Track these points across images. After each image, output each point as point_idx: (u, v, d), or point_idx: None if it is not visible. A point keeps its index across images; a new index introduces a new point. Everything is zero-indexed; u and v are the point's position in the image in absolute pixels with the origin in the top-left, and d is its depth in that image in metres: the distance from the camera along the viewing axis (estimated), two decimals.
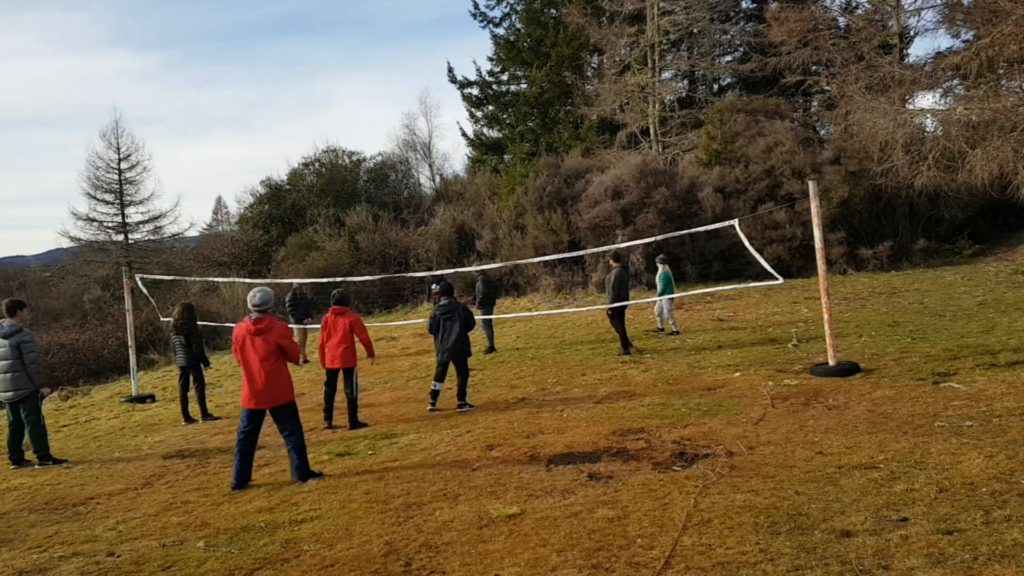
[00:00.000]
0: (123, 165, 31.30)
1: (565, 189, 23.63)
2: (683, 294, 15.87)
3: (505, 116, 32.70)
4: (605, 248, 15.38)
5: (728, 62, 29.04)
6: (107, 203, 31.45)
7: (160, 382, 15.25)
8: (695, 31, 27.88)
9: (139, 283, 14.45)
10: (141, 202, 31.97)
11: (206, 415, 10.38)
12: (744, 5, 29.10)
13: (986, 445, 5.68)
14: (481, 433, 7.73)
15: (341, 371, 9.07)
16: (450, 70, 33.19)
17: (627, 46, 27.80)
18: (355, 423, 8.84)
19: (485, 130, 33.80)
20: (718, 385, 8.99)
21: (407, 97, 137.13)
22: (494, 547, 4.64)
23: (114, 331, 20.19)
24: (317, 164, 33.04)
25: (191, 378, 10.47)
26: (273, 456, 7.70)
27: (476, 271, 14.23)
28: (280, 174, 34.44)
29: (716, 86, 30.02)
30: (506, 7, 32.62)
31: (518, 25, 32.28)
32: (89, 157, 32.63)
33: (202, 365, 10.51)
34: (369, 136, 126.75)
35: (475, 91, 33.17)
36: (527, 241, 22.90)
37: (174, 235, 33.04)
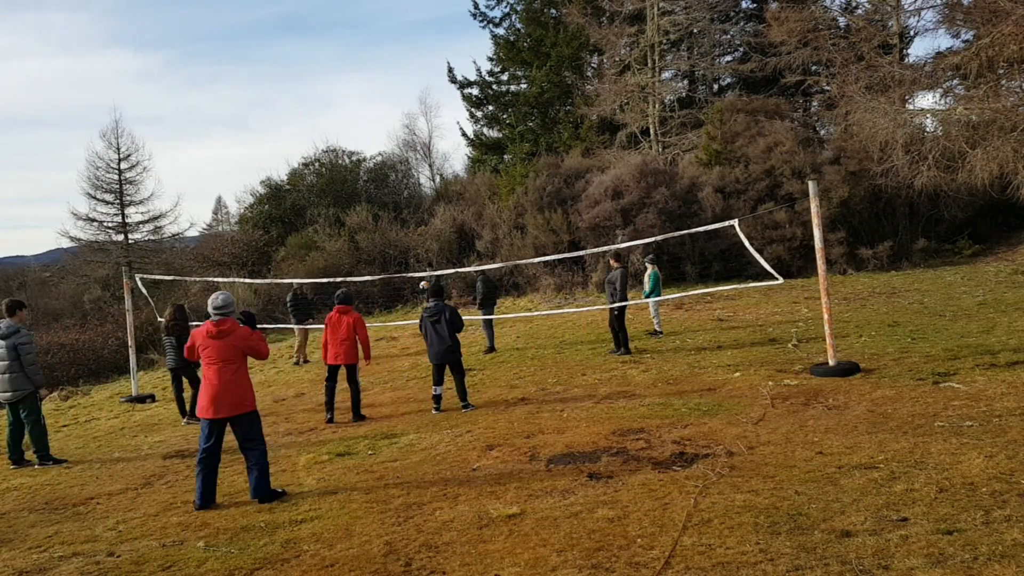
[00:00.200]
0: (123, 165, 31.31)
1: (565, 189, 23.63)
2: (683, 294, 15.87)
3: (505, 116, 32.70)
4: (605, 248, 15.39)
5: (728, 62, 29.04)
6: (107, 203, 31.46)
7: (160, 382, 15.25)
8: (695, 31, 27.88)
9: (139, 283, 14.44)
10: (141, 202, 31.99)
11: (192, 416, 10.17)
12: (744, 5, 29.12)
13: (986, 445, 5.68)
14: (481, 433, 7.73)
15: (343, 368, 9.32)
16: (450, 70, 33.22)
17: (627, 46, 27.80)
18: (358, 415, 9.18)
19: (485, 130, 33.80)
20: (718, 385, 8.99)
21: (407, 97, 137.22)
22: (494, 547, 4.64)
23: (114, 331, 20.19)
24: (317, 164, 33.05)
25: (183, 380, 10.39)
26: (273, 456, 7.68)
27: (475, 271, 14.23)
28: (280, 174, 34.47)
29: (716, 86, 30.02)
30: (506, 7, 32.63)
31: (518, 25, 32.29)
32: (89, 157, 32.67)
33: (193, 366, 10.31)
34: (369, 136, 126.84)
35: (475, 91, 33.18)
36: (527, 241, 22.90)
37: (174, 235, 33.05)
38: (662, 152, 26.22)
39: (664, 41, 26.77)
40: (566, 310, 17.89)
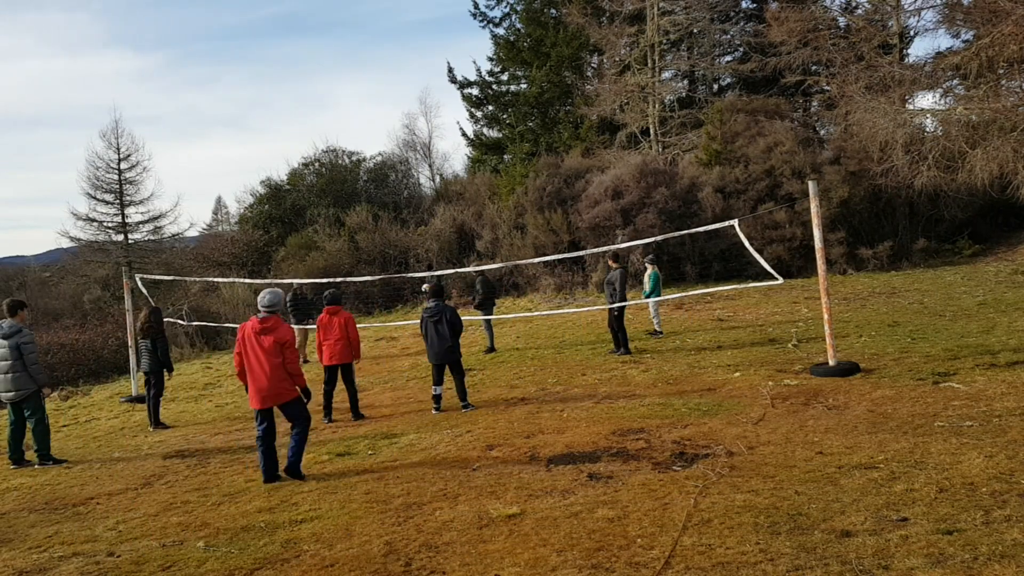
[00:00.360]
0: (123, 165, 31.27)
1: (565, 189, 23.63)
2: (683, 294, 15.87)
3: (505, 116, 32.70)
4: (605, 248, 15.39)
5: (728, 62, 29.04)
6: (107, 203, 31.42)
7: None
8: (695, 31, 27.87)
9: (139, 283, 14.44)
10: (141, 202, 31.94)
11: (157, 423, 10.07)
12: (744, 5, 29.12)
13: (986, 445, 5.68)
14: (481, 433, 7.73)
15: (340, 368, 9.38)
16: (450, 70, 33.21)
17: (627, 46, 27.80)
18: (357, 414, 9.24)
19: (485, 130, 33.79)
20: (718, 385, 8.99)
21: (407, 97, 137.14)
22: (494, 547, 4.64)
23: (114, 331, 20.18)
24: (317, 164, 33.04)
25: (151, 383, 10.18)
26: None
27: (475, 271, 14.23)
28: (280, 174, 34.45)
29: (716, 86, 30.02)
30: (506, 7, 32.62)
31: (518, 25, 32.28)
32: (89, 157, 32.63)
33: (165, 371, 10.21)
34: (369, 136, 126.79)
35: (475, 91, 33.17)
36: (527, 241, 22.90)
37: (174, 235, 32.99)
38: (662, 152, 26.22)
39: (664, 41, 26.77)
40: (566, 310, 17.89)
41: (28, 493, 7.18)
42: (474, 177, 31.07)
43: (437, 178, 36.95)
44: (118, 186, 31.28)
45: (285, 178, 33.08)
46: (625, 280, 12.10)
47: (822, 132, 26.88)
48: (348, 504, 5.79)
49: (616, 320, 11.99)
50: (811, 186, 9.22)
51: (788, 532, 4.40)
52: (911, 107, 21.00)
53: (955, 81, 20.82)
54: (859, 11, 24.95)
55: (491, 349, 13.68)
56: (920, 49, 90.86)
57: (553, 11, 31.09)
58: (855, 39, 22.75)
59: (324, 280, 18.64)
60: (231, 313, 22.24)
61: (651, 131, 27.00)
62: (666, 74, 28.10)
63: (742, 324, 13.90)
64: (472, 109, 33.61)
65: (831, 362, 8.99)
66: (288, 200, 31.81)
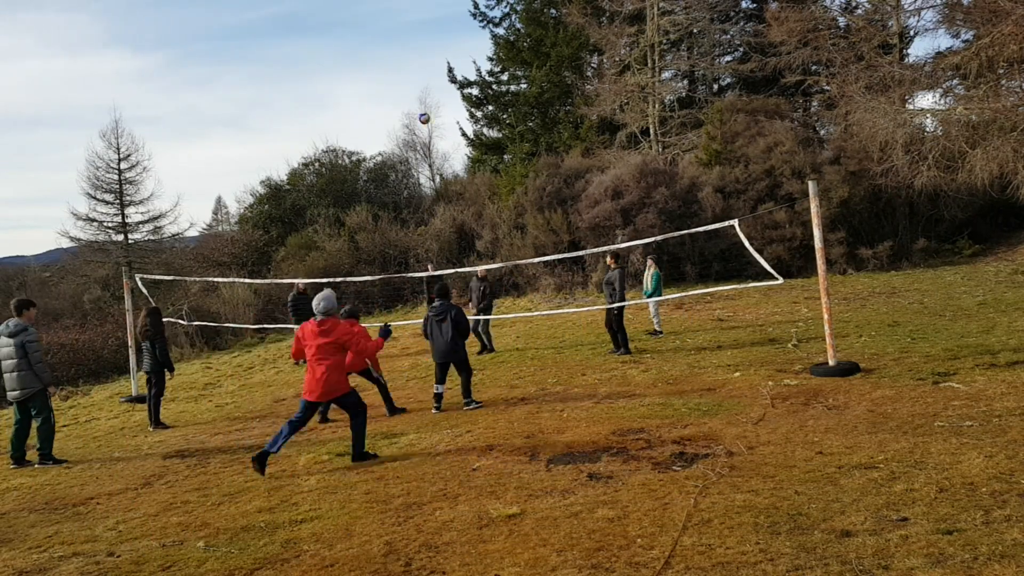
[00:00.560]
0: (123, 165, 31.27)
1: (565, 189, 23.63)
2: (683, 294, 15.87)
3: (505, 116, 32.70)
4: (605, 248, 15.38)
5: (728, 62, 29.04)
6: (107, 203, 31.41)
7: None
8: (695, 31, 27.88)
9: (139, 283, 14.44)
10: (141, 202, 31.94)
11: (157, 423, 10.06)
12: (744, 5, 29.12)
13: (986, 445, 5.68)
14: (481, 433, 7.74)
15: (358, 374, 9.36)
16: (450, 70, 33.21)
17: (627, 46, 27.80)
18: (393, 409, 9.30)
19: (485, 130, 33.79)
20: (718, 385, 8.99)
21: (407, 97, 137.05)
22: (494, 547, 4.64)
23: (114, 331, 20.19)
24: (317, 164, 33.04)
25: (152, 383, 10.17)
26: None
27: (478, 276, 14.21)
28: (280, 174, 34.45)
29: (716, 86, 30.02)
30: (506, 7, 32.63)
31: (518, 25, 32.28)
32: (89, 157, 32.60)
33: (166, 371, 10.19)
34: (369, 136, 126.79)
35: (475, 91, 33.17)
36: (527, 241, 22.90)
37: (174, 235, 32.98)
38: (662, 152, 26.22)
39: (664, 41, 26.77)
40: (566, 310, 17.89)
41: (28, 493, 7.18)
42: (474, 177, 31.08)
43: (437, 178, 36.96)
44: (118, 186, 31.28)
45: (285, 178, 33.10)
46: (624, 280, 12.10)
47: (822, 132, 26.89)
48: (348, 504, 5.79)
49: (616, 320, 11.98)
50: (811, 186, 9.22)
51: (788, 532, 4.40)
52: (911, 107, 21.00)
53: (955, 81, 20.83)
54: (859, 11, 24.97)
55: (486, 349, 13.66)
56: (920, 49, 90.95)
57: (553, 11, 31.08)
58: (855, 39, 22.76)
59: (324, 280, 18.65)
60: (231, 313, 22.25)
61: (651, 131, 27.00)
62: (666, 74, 28.10)
63: (742, 324, 13.90)
64: (472, 109, 33.63)
65: (831, 362, 8.99)
66: (288, 200, 31.81)
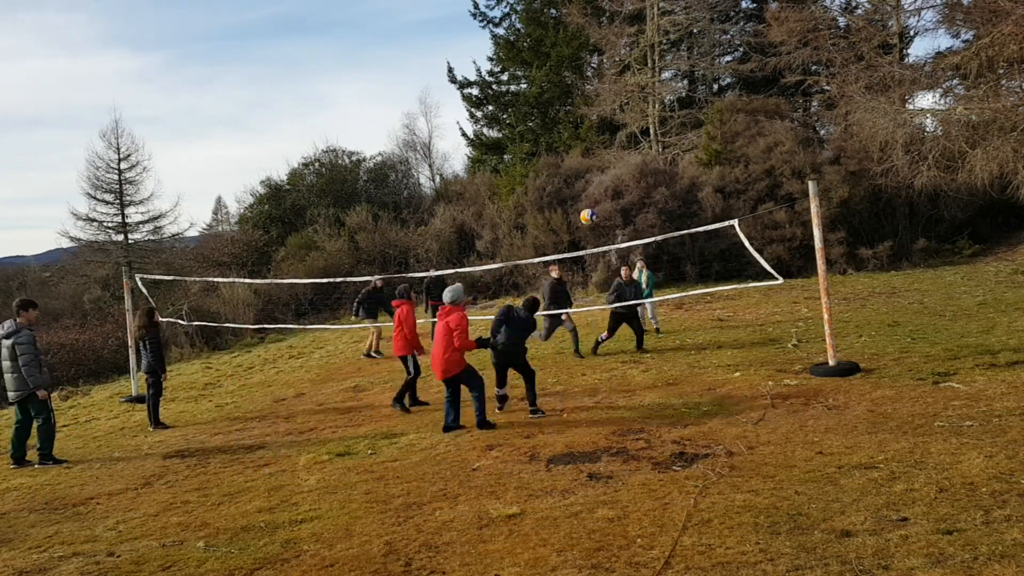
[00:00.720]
0: (123, 165, 31.26)
1: (565, 189, 23.64)
2: (683, 294, 15.86)
3: (505, 116, 32.70)
4: (605, 248, 15.38)
5: (728, 62, 29.04)
6: (107, 203, 31.40)
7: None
8: (695, 31, 27.88)
9: (139, 283, 14.44)
10: (141, 202, 31.92)
11: (157, 423, 9.99)
12: (744, 5, 29.12)
13: (986, 445, 5.68)
14: (481, 433, 7.74)
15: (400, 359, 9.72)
16: (450, 70, 33.21)
17: (627, 46, 27.81)
18: (412, 401, 9.58)
19: (485, 130, 33.80)
20: (718, 385, 8.99)
21: (407, 97, 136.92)
22: (494, 547, 4.64)
23: (114, 331, 20.19)
24: (317, 164, 33.05)
25: (150, 383, 10.10)
26: (273, 456, 7.70)
27: (470, 270, 14.18)
28: (280, 174, 34.46)
29: (716, 86, 30.02)
30: (506, 7, 32.63)
31: (518, 25, 32.28)
32: (89, 157, 32.58)
33: (159, 372, 10.06)
34: (369, 136, 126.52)
35: (475, 91, 33.17)
36: (527, 241, 22.91)
37: (174, 235, 32.96)
38: (662, 152, 26.22)
39: (664, 41, 26.77)
40: (566, 310, 17.85)
41: (28, 493, 7.18)
42: (474, 177, 31.09)
43: (437, 178, 36.98)
44: (118, 186, 31.27)
45: (285, 178, 33.11)
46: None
47: (822, 132, 26.89)
48: (348, 504, 5.79)
49: (616, 322, 11.89)
50: (811, 186, 9.22)
51: (788, 532, 4.40)
52: (911, 107, 21.00)
53: (955, 81, 20.83)
54: (859, 11, 24.96)
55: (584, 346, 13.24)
56: (920, 49, 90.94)
57: (553, 11, 31.09)
58: (855, 39, 22.76)
59: (324, 280, 18.67)
60: (231, 313, 22.25)
61: (651, 131, 27.00)
62: (666, 74, 28.10)
63: (742, 324, 13.90)
64: (472, 109, 33.63)
65: (831, 362, 8.99)
66: (288, 200, 31.82)
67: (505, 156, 32.66)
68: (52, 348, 18.98)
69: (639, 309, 13.65)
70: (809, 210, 9.29)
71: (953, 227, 21.97)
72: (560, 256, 17.61)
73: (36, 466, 8.25)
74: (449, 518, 5.24)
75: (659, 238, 14.93)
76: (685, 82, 29.43)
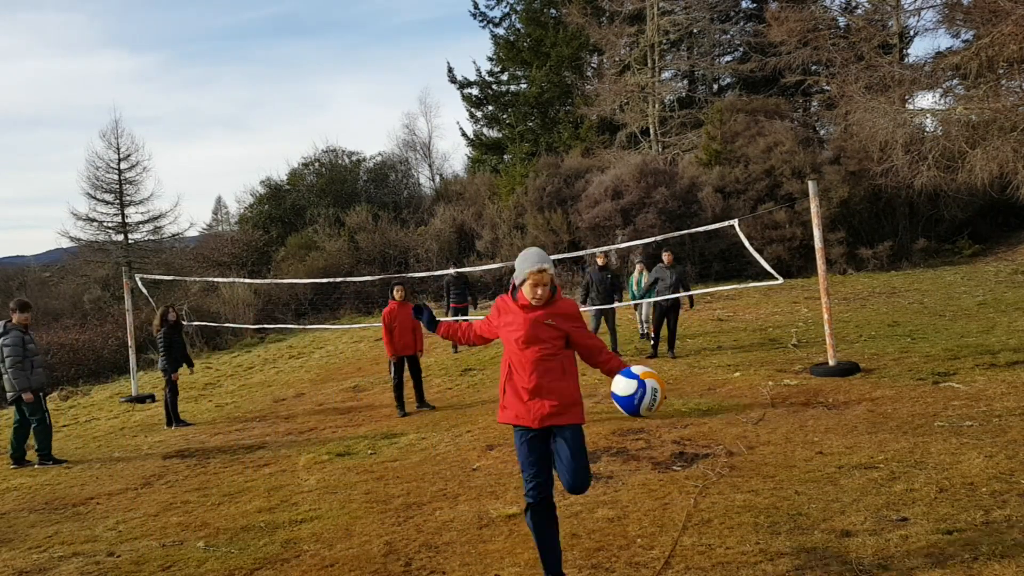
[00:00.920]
0: (123, 165, 31.29)
1: (565, 189, 23.65)
2: (683, 294, 15.84)
3: (505, 116, 32.72)
4: (605, 248, 15.37)
5: (728, 62, 29.06)
6: (107, 203, 31.43)
7: (160, 382, 15.23)
8: (695, 31, 27.89)
9: (139, 283, 14.44)
10: (141, 202, 31.96)
11: (171, 422, 9.99)
12: (744, 5, 29.15)
13: (986, 445, 5.68)
14: (481, 433, 7.73)
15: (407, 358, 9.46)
16: (450, 70, 33.24)
17: (627, 46, 27.82)
18: (420, 402, 9.41)
19: (485, 130, 33.81)
20: (718, 385, 8.99)
21: (407, 97, 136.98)
22: (494, 547, 4.64)
23: (114, 331, 20.19)
24: (317, 164, 33.06)
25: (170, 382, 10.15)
26: (273, 456, 7.70)
27: (469, 271, 14.14)
28: (280, 174, 34.49)
29: (716, 86, 30.03)
30: (506, 7, 32.65)
31: (518, 25, 32.29)
32: (89, 157, 32.67)
33: (168, 372, 10.10)
34: (369, 136, 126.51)
35: (475, 91, 33.19)
36: (527, 241, 22.90)
37: (174, 235, 33.01)
38: (662, 152, 26.23)
39: (664, 41, 26.78)
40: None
41: (28, 493, 7.18)
42: (474, 177, 31.11)
43: (437, 178, 37.01)
44: (118, 186, 31.29)
45: (285, 178, 33.13)
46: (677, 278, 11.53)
47: (822, 132, 26.90)
48: (348, 504, 5.79)
49: (659, 317, 11.62)
50: (811, 186, 9.22)
51: (788, 532, 4.40)
52: (911, 107, 21.01)
53: (955, 81, 20.83)
54: (859, 11, 24.97)
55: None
56: (920, 49, 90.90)
57: (553, 11, 31.10)
58: (855, 39, 22.77)
59: (324, 280, 18.66)
60: (231, 313, 22.25)
61: (651, 131, 27.01)
62: (666, 74, 28.11)
63: (742, 324, 13.90)
64: (472, 109, 33.65)
65: (831, 362, 8.99)
66: (288, 200, 31.83)
67: (505, 156, 32.68)
68: (52, 348, 18.99)
69: (637, 312, 13.63)
70: (809, 210, 9.29)
71: (953, 227, 21.98)
72: (560, 256, 17.63)
73: (36, 466, 8.25)
74: (449, 518, 5.24)
75: (659, 238, 14.94)
76: (685, 82, 29.44)
